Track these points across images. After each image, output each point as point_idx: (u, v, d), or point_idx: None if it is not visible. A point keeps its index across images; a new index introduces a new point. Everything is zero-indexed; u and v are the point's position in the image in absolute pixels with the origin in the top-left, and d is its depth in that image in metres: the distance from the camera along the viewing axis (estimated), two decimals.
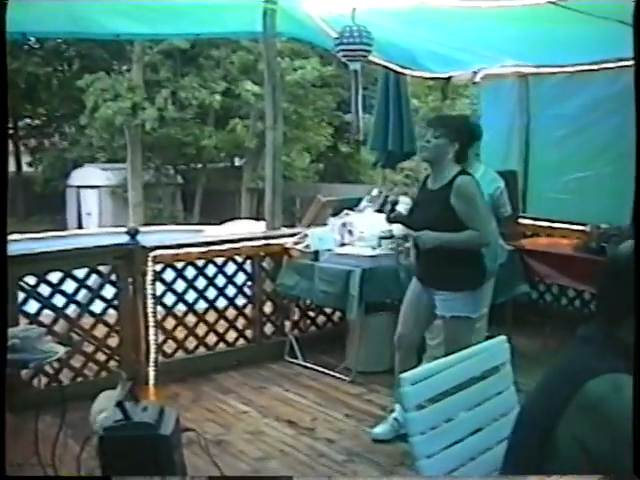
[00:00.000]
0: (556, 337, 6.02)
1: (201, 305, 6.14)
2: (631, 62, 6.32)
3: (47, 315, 5.31)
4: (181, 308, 6.03)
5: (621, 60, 6.52)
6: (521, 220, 7.07)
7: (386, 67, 7.46)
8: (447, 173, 4.44)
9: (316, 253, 5.96)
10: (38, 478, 3.87)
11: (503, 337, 2.85)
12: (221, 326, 6.23)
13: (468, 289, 4.50)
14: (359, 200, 6.77)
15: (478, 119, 7.62)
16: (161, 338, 5.79)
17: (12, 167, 25.14)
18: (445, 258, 4.39)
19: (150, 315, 5.61)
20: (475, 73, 7.93)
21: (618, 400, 1.72)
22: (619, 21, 4.98)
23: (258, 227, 8.76)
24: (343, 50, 5.96)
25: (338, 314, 6.74)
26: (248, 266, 6.31)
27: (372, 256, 5.72)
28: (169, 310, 5.91)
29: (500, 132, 7.59)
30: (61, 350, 4.14)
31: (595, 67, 6.86)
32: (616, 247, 1.98)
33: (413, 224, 4.63)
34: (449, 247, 4.38)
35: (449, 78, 8.40)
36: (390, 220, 4.97)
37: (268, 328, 6.47)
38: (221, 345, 6.24)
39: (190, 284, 6.00)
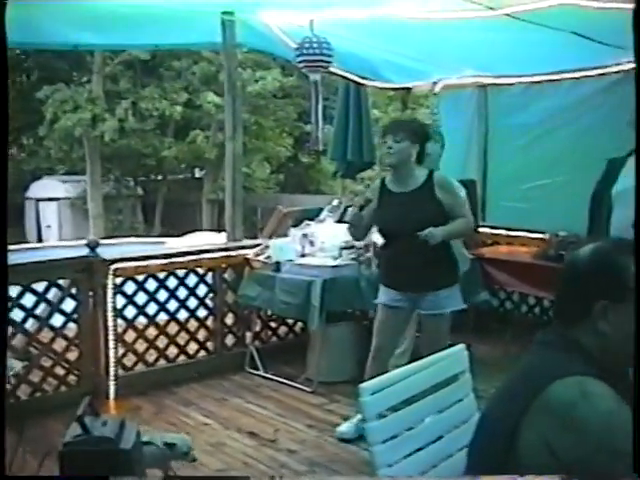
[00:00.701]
0: (516, 344, 6.06)
1: (162, 317, 6.10)
2: (587, 72, 6.47)
3: None
4: (142, 321, 5.99)
5: (577, 71, 6.65)
6: (481, 229, 7.12)
7: (346, 78, 7.49)
8: (416, 173, 4.60)
9: (277, 264, 5.95)
10: (38, 478, 3.80)
11: (462, 345, 2.87)
12: (182, 338, 6.19)
13: (457, 282, 4.75)
14: (320, 210, 6.78)
15: (438, 129, 7.68)
16: (121, 351, 5.74)
17: None
18: (428, 258, 4.48)
19: (110, 328, 5.56)
20: (435, 83, 7.99)
21: (588, 407, 1.73)
22: (573, 32, 5.07)
23: (219, 238, 8.72)
24: (303, 61, 5.97)
25: (299, 325, 6.74)
26: (209, 278, 6.29)
27: (333, 266, 5.72)
28: (130, 323, 5.86)
29: (459, 141, 7.65)
30: (18, 365, 4.09)
31: (552, 77, 6.95)
32: (573, 252, 2.01)
33: (388, 227, 4.71)
34: (451, 238, 4.59)
35: (409, 88, 8.47)
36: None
37: (229, 339, 6.44)
38: (182, 357, 6.20)
39: (151, 296, 5.96)
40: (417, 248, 4.42)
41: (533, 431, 1.79)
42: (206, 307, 6.31)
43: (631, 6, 4.02)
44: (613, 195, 5.39)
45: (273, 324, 6.75)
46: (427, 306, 4.64)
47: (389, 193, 4.67)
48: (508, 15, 4.88)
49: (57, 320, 5.50)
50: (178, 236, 17.18)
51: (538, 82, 7.14)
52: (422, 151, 4.63)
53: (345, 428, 4.90)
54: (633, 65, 6.24)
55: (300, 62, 5.99)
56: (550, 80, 7.00)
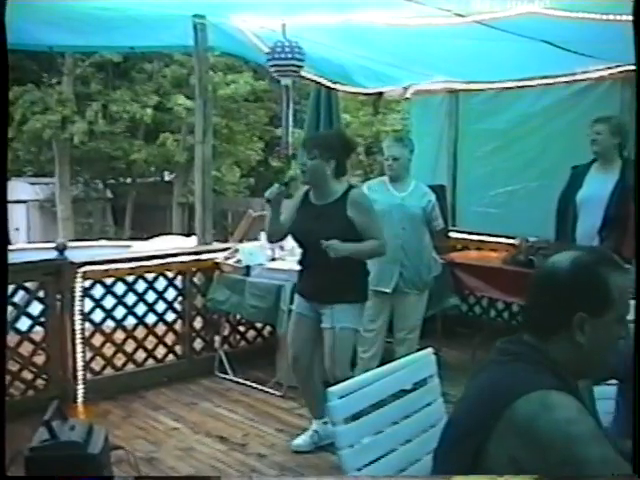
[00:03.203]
0: (485, 348, 6.07)
1: (130, 321, 6.06)
2: (556, 79, 6.56)
3: None
4: (110, 324, 5.95)
5: (546, 78, 6.72)
6: (451, 234, 7.17)
7: (318, 82, 7.51)
8: (334, 188, 4.51)
9: (247, 268, 5.94)
10: (38, 478, 3.74)
11: (429, 350, 2.89)
12: (150, 342, 6.15)
13: (359, 301, 4.61)
14: None
15: (408, 133, 7.72)
16: (89, 355, 5.70)
17: None
18: (333, 271, 4.38)
19: (78, 332, 5.52)
20: (406, 89, 8.04)
21: (548, 418, 1.74)
22: (543, 41, 5.12)
23: (186, 242, 8.66)
24: (275, 65, 5.98)
25: (268, 329, 6.72)
26: (179, 281, 6.26)
27: None
28: (97, 326, 5.81)
29: (429, 147, 7.69)
30: None
31: (522, 84, 7.02)
32: (547, 261, 2.00)
33: (300, 236, 4.65)
34: (356, 257, 4.45)
35: (381, 93, 8.51)
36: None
37: (198, 343, 6.41)
38: (150, 361, 6.16)
39: (119, 300, 5.92)
40: (324, 260, 4.34)
41: (499, 447, 1.80)
42: (175, 311, 6.28)
43: (599, 17, 4.09)
44: (577, 202, 5.47)
45: (242, 328, 6.73)
46: (325, 319, 4.56)
47: (308, 204, 4.62)
48: (478, 22, 4.92)
49: (23, 324, 5.44)
50: (145, 239, 17.05)
51: (508, 88, 7.20)
52: (340, 165, 4.51)
53: (300, 441, 4.86)
54: (600, 73, 6.36)
55: (272, 66, 6.00)
56: (520, 86, 7.07)
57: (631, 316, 2.03)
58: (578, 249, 2.01)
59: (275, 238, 4.92)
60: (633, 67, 5.78)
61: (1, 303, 3.02)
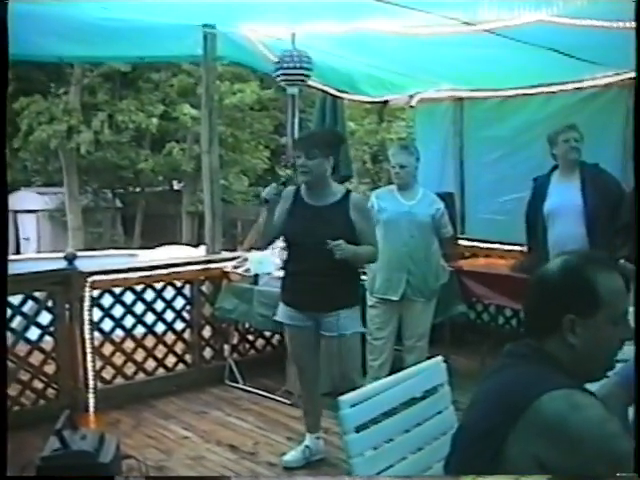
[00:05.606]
0: (494, 355, 6.05)
1: (139, 330, 6.08)
2: (560, 87, 6.56)
3: None
4: (119, 334, 5.96)
5: (552, 85, 6.72)
6: (459, 241, 7.16)
7: (324, 91, 7.53)
8: (334, 189, 4.49)
9: (256, 277, 5.95)
10: (38, 478, 3.75)
11: (440, 358, 2.89)
12: (160, 351, 6.17)
13: (358, 304, 4.56)
14: None
15: (412, 141, 7.73)
16: (99, 364, 5.71)
17: None
18: (331, 276, 4.30)
19: (87, 341, 5.53)
20: (411, 97, 8.05)
21: (580, 417, 1.75)
22: (551, 49, 5.13)
23: (193, 252, 8.65)
24: (283, 74, 6.00)
25: (277, 337, 6.72)
26: (187, 290, 6.28)
27: None
28: (107, 336, 5.83)
29: (434, 154, 7.69)
30: None
31: (528, 91, 7.02)
32: (542, 267, 2.03)
33: (296, 239, 4.49)
34: (355, 260, 4.39)
35: (386, 102, 8.53)
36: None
37: (207, 352, 6.43)
38: (160, 370, 6.18)
39: (128, 309, 5.93)
40: (321, 264, 4.25)
41: (520, 446, 1.79)
42: (183, 320, 6.29)
43: (606, 24, 4.09)
44: (545, 213, 5.49)
45: (251, 337, 6.74)
46: (327, 327, 4.42)
47: (303, 205, 4.49)
48: (486, 31, 4.93)
49: (33, 333, 5.46)
50: (152, 249, 17.01)
51: (514, 96, 7.20)
52: (337, 159, 4.49)
53: (290, 457, 4.77)
54: (607, 80, 6.36)
55: (280, 75, 6.02)
56: (526, 94, 7.07)
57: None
58: (570, 253, 2.03)
59: (268, 241, 4.72)
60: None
61: (1, 310, 3.02)
